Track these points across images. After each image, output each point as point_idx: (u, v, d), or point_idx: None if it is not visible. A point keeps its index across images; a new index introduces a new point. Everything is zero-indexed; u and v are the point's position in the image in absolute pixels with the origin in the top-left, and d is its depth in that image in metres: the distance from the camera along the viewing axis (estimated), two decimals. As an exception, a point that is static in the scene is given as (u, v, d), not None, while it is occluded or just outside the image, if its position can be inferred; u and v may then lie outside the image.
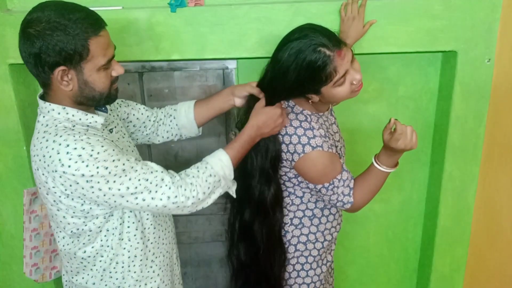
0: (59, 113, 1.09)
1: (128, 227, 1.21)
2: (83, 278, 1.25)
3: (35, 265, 1.51)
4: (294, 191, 1.37)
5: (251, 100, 1.33)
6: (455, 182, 1.74)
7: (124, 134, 1.31)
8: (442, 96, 1.74)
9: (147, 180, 1.09)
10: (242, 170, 1.32)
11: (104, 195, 1.07)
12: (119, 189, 1.07)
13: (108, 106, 1.24)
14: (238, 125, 1.39)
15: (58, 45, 1.00)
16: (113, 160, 1.06)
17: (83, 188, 1.06)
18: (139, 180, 1.09)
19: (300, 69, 1.18)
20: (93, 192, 1.06)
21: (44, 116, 1.11)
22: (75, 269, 1.25)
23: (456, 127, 1.67)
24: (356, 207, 1.32)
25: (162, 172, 1.13)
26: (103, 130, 1.17)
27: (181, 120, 1.44)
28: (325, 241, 1.43)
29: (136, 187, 1.08)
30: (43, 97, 1.12)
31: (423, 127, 1.82)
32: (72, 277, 1.27)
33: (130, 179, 1.08)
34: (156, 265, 1.30)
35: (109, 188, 1.06)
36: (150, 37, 1.53)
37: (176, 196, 1.12)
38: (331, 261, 1.50)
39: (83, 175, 1.03)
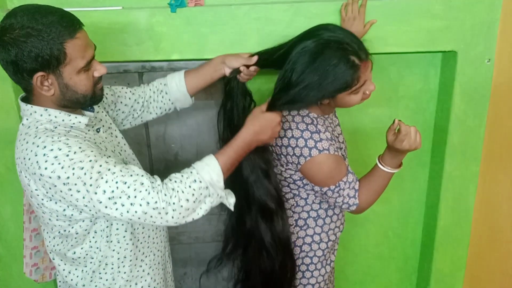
0: (41, 115, 1.07)
1: (117, 228, 1.19)
2: (72, 280, 1.24)
3: (35, 265, 1.51)
4: (298, 193, 1.37)
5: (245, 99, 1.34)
6: (455, 182, 1.74)
7: (113, 132, 1.28)
8: (442, 96, 1.74)
9: (125, 183, 1.02)
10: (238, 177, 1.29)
11: (83, 198, 1.02)
12: (95, 193, 1.01)
13: (96, 107, 1.22)
14: (221, 141, 1.39)
15: (33, 51, 0.97)
16: (90, 161, 1.01)
17: (61, 191, 1.02)
18: (116, 182, 1.01)
19: (328, 85, 1.17)
20: (71, 195, 1.02)
21: (27, 119, 1.09)
22: (67, 270, 1.24)
23: (456, 127, 1.67)
24: (361, 209, 1.33)
25: (142, 175, 1.05)
26: (89, 130, 1.14)
27: (173, 94, 1.42)
28: (329, 241, 1.43)
29: (112, 191, 1.01)
30: (26, 99, 1.10)
31: (423, 127, 1.82)
32: (65, 277, 1.26)
33: (106, 181, 1.01)
34: (146, 264, 1.29)
35: (87, 191, 1.01)
36: (150, 37, 1.53)
37: (156, 202, 1.02)
38: (333, 260, 1.50)
39: (59, 177, 1.00)
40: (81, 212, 1.09)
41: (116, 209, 1.03)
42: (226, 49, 1.54)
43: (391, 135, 1.22)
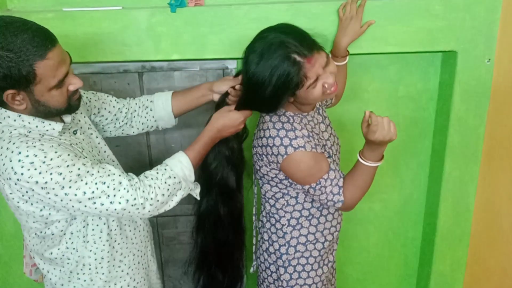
0: (14, 120, 1.07)
1: (93, 229, 1.20)
2: (51, 279, 1.25)
3: (35, 265, 1.51)
4: (288, 192, 1.37)
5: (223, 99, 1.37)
6: (455, 182, 1.74)
7: (91, 134, 1.28)
8: (442, 96, 1.74)
9: (104, 183, 1.07)
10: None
11: (61, 200, 1.06)
12: (75, 194, 1.05)
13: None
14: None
15: (1, 72, 0.97)
16: (67, 166, 1.04)
17: (39, 194, 1.04)
18: (95, 184, 1.07)
19: (275, 85, 1.19)
20: (49, 198, 1.05)
21: (0, 123, 1.09)
22: (46, 269, 1.26)
23: (456, 127, 1.67)
24: (348, 205, 1.31)
25: (120, 175, 1.11)
26: (64, 133, 1.15)
27: (158, 112, 1.44)
28: (325, 241, 1.43)
29: (93, 192, 1.06)
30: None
31: (423, 127, 1.82)
32: (45, 276, 1.28)
33: (86, 183, 1.06)
34: (125, 265, 1.30)
35: (65, 194, 1.04)
36: (150, 37, 1.53)
37: (135, 199, 1.10)
38: (333, 261, 1.50)
39: (37, 182, 1.02)
40: (58, 211, 1.12)
41: (95, 208, 1.09)
42: (226, 49, 1.55)
43: (365, 127, 1.22)
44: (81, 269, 1.23)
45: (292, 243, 1.41)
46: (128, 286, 1.32)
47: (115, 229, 1.25)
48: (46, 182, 1.02)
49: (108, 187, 1.08)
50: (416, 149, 1.86)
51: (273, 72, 1.17)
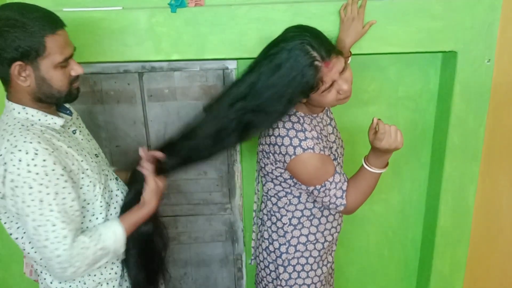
0: (19, 113, 1.12)
1: (90, 221, 1.21)
2: (45, 279, 1.26)
3: (35, 265, 1.51)
4: (291, 191, 1.37)
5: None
6: (455, 182, 1.74)
7: (90, 139, 1.31)
8: (442, 96, 1.74)
9: (54, 225, 1.07)
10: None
11: (17, 205, 1.07)
12: (27, 216, 1.06)
13: (72, 110, 1.28)
14: None
15: (15, 42, 1.03)
16: (42, 180, 1.05)
17: (13, 196, 1.06)
18: (47, 220, 1.07)
19: (289, 84, 1.17)
20: (15, 203, 1.07)
21: (7, 115, 1.14)
22: (39, 270, 1.26)
23: (456, 127, 1.67)
24: (349, 209, 1.32)
25: (66, 237, 1.09)
26: (64, 131, 1.18)
27: None
28: (325, 242, 1.43)
29: (39, 225, 1.07)
30: (8, 97, 1.15)
31: (423, 127, 1.82)
32: (38, 275, 1.29)
33: (41, 214, 1.06)
34: (118, 267, 1.30)
35: (23, 202, 1.05)
36: (150, 37, 1.53)
37: (65, 260, 1.09)
38: (331, 262, 1.50)
39: (12, 180, 1.05)
40: (8, 217, 1.15)
41: (33, 234, 1.08)
42: (226, 49, 1.55)
43: (371, 134, 1.22)
44: None
45: (292, 242, 1.41)
46: (120, 285, 1.32)
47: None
48: (17, 182, 1.04)
49: (53, 231, 1.08)
50: (416, 149, 1.86)
51: (290, 72, 1.16)
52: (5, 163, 1.05)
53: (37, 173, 1.04)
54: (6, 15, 1.04)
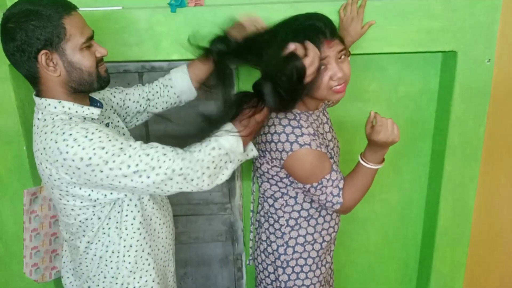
0: (55, 107, 1.12)
1: (126, 215, 1.21)
2: (80, 267, 1.27)
3: (35, 265, 1.51)
4: (287, 192, 1.37)
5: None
6: (455, 182, 1.74)
7: (120, 130, 1.32)
8: (442, 96, 1.74)
9: (148, 155, 1.07)
10: None
11: (107, 177, 1.06)
12: (120, 168, 1.05)
13: (103, 102, 1.27)
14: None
15: (36, 31, 1.04)
16: (110, 140, 1.06)
17: (85, 173, 1.06)
18: (139, 156, 1.06)
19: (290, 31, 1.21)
20: (95, 176, 1.06)
21: (42, 113, 1.13)
22: (77, 260, 1.27)
23: (456, 127, 1.67)
24: (346, 208, 1.31)
25: (163, 147, 1.10)
26: (100, 123, 1.19)
27: (178, 87, 1.45)
28: (323, 242, 1.43)
29: (137, 164, 1.06)
30: (38, 95, 1.15)
31: (423, 127, 1.82)
32: (76, 267, 1.29)
33: (130, 156, 1.06)
34: (152, 258, 1.30)
35: (110, 169, 1.05)
36: (150, 37, 1.53)
37: (181, 168, 1.07)
38: (330, 262, 1.50)
39: (81, 158, 1.03)
40: (105, 196, 1.14)
41: (142, 182, 1.08)
42: (226, 49, 1.54)
43: (368, 128, 1.22)
44: (110, 256, 1.24)
45: (290, 243, 1.41)
46: (153, 281, 1.32)
47: (146, 220, 1.26)
48: (90, 158, 1.03)
49: (152, 159, 1.07)
50: (416, 149, 1.86)
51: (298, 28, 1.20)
52: (60, 153, 1.04)
53: (94, 137, 1.04)
54: (18, 9, 1.05)
